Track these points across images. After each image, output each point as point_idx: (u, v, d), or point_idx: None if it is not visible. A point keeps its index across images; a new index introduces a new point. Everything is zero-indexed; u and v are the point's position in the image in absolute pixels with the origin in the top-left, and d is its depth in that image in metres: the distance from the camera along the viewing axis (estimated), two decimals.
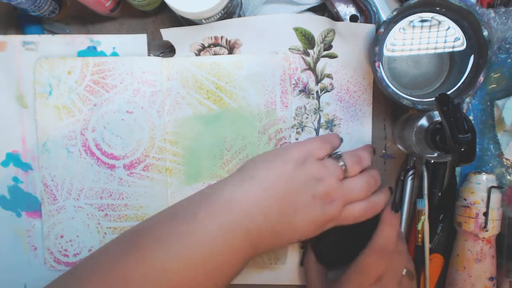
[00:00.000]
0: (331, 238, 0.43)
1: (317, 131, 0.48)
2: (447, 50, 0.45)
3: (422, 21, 0.45)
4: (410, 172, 0.48)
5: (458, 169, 0.49)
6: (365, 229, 0.41)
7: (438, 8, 0.44)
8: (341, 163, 0.40)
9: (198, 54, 0.47)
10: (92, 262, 0.36)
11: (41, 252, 0.48)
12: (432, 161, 0.48)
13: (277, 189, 0.37)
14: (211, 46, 0.47)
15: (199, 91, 0.47)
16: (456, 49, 0.45)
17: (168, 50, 0.49)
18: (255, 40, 0.47)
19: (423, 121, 0.42)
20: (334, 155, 0.41)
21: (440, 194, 0.48)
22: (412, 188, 0.48)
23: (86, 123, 0.47)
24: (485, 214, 0.44)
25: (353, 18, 0.47)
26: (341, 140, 0.43)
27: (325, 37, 0.47)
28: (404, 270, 0.41)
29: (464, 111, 0.48)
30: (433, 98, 0.39)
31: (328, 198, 0.38)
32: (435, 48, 0.45)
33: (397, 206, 0.41)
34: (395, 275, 0.40)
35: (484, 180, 0.45)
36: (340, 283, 0.40)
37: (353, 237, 0.42)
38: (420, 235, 0.47)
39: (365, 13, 0.47)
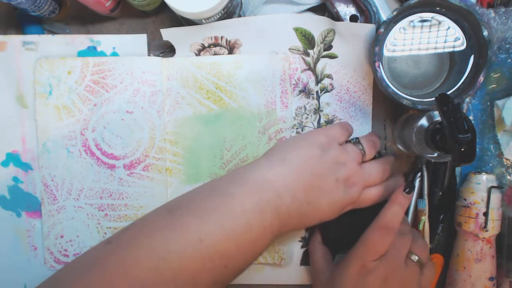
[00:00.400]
0: (341, 222, 0.44)
1: None
2: (447, 50, 0.45)
3: (422, 21, 0.45)
4: (419, 174, 0.47)
5: (458, 169, 0.49)
6: (373, 217, 0.41)
7: (438, 8, 0.44)
8: (360, 148, 0.43)
9: (198, 54, 0.47)
10: (127, 237, 0.37)
11: (41, 252, 0.48)
12: (433, 161, 0.48)
13: (305, 172, 0.40)
14: (211, 46, 0.47)
15: (199, 91, 0.47)
16: (456, 49, 0.45)
17: (168, 50, 0.49)
18: (255, 40, 0.47)
19: (423, 121, 0.42)
20: (352, 140, 0.44)
21: (440, 194, 0.48)
22: (420, 190, 0.48)
23: (86, 123, 0.47)
24: (485, 214, 0.44)
25: (353, 18, 0.47)
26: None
27: (325, 37, 0.47)
28: (416, 258, 0.41)
29: (464, 111, 0.48)
30: (433, 98, 0.39)
31: (349, 182, 0.41)
32: (435, 48, 0.45)
33: (410, 188, 0.42)
34: (399, 254, 0.40)
35: (484, 180, 0.45)
36: (344, 259, 0.41)
37: (361, 222, 0.42)
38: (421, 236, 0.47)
39: (365, 13, 0.47)
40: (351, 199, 0.41)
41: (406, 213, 0.47)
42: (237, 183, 0.39)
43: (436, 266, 0.48)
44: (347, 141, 0.44)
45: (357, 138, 0.44)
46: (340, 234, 0.45)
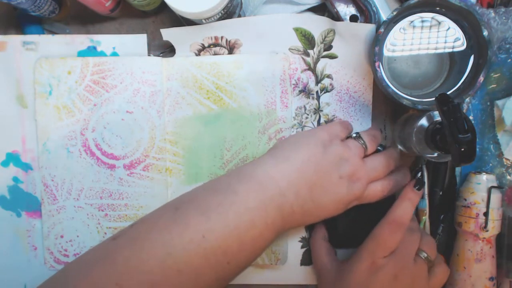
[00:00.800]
0: (348, 216, 0.44)
1: None
2: (447, 50, 0.45)
3: (422, 21, 0.45)
4: (419, 174, 0.47)
5: (458, 169, 0.49)
6: (381, 212, 0.42)
7: (438, 8, 0.44)
8: (361, 142, 0.43)
9: (198, 54, 0.47)
10: (133, 233, 0.38)
11: (41, 252, 0.48)
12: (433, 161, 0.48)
13: (308, 170, 0.40)
14: (211, 46, 0.47)
15: (199, 91, 0.47)
16: (456, 49, 0.45)
17: (168, 50, 0.49)
18: (255, 40, 0.47)
19: (423, 121, 0.42)
20: (353, 136, 0.44)
21: (441, 193, 0.48)
22: None
23: (86, 123, 0.47)
24: (485, 214, 0.44)
25: (353, 18, 0.47)
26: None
27: (325, 37, 0.47)
28: (425, 254, 0.41)
29: (464, 111, 0.48)
30: (433, 98, 0.39)
31: (353, 178, 0.41)
32: (435, 48, 0.45)
33: (421, 184, 0.42)
34: (408, 252, 0.40)
35: (484, 180, 0.45)
36: (353, 256, 0.41)
37: (368, 217, 0.42)
38: None
39: (365, 13, 0.47)
40: (355, 195, 0.41)
41: None
42: (241, 180, 0.39)
43: None
44: (348, 137, 0.44)
45: (358, 133, 0.44)
46: (347, 228, 0.46)
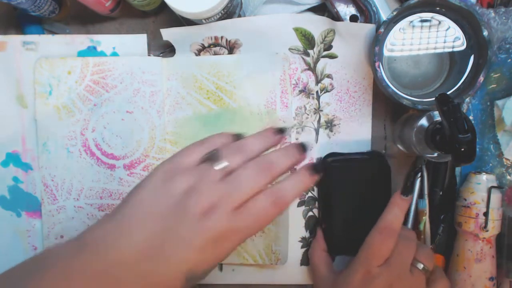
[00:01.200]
0: (345, 225, 0.44)
1: (317, 131, 0.48)
2: (447, 50, 0.45)
3: (422, 21, 0.45)
4: (419, 174, 0.47)
5: (458, 169, 0.49)
6: (377, 218, 0.41)
7: (438, 8, 0.44)
8: (217, 161, 0.32)
9: (198, 54, 0.47)
10: None
11: None
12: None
13: (137, 224, 0.30)
14: (211, 46, 0.47)
15: (199, 91, 0.47)
16: (456, 49, 0.45)
17: (168, 50, 0.49)
18: (255, 40, 0.47)
19: (423, 121, 0.42)
20: (206, 156, 0.33)
21: (441, 193, 0.48)
22: (420, 190, 0.48)
23: (86, 123, 0.47)
24: (485, 214, 0.44)
25: (353, 18, 0.47)
26: (236, 136, 0.36)
27: (325, 37, 0.47)
28: (421, 265, 0.40)
29: (464, 111, 0.48)
30: (433, 98, 0.39)
31: (206, 208, 0.30)
32: (435, 48, 0.45)
33: (407, 191, 0.41)
34: (403, 260, 0.40)
35: (484, 180, 0.45)
36: (348, 266, 0.41)
37: (364, 225, 0.42)
38: (422, 236, 0.47)
39: (365, 13, 0.47)
40: (217, 229, 0.30)
41: (407, 214, 0.46)
42: (37, 267, 0.29)
43: None
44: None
45: (215, 150, 0.33)
46: (343, 235, 0.45)
